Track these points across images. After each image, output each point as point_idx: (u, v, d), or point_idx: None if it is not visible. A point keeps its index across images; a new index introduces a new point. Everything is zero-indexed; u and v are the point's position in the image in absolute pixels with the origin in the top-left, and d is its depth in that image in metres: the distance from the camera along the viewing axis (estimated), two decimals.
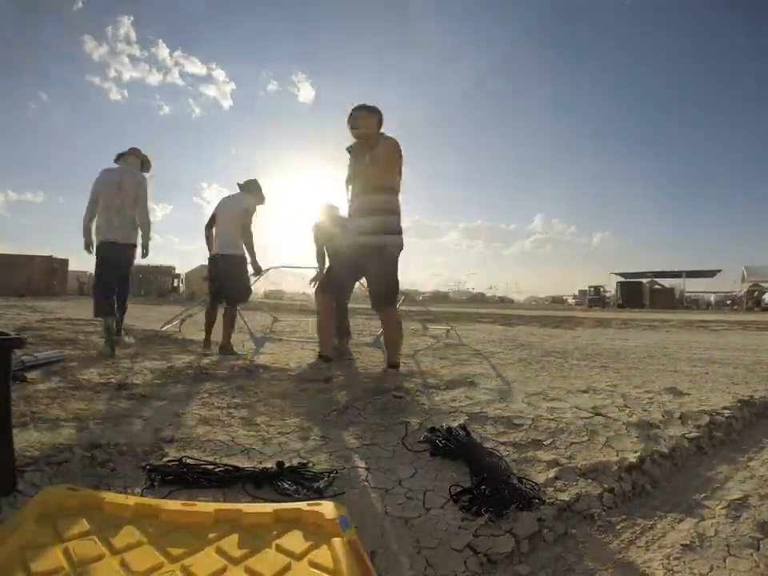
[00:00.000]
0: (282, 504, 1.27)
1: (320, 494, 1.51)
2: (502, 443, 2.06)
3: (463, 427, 2.12)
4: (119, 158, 4.64)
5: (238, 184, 4.81)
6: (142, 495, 1.45)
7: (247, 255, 4.62)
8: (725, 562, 1.26)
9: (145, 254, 4.63)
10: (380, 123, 3.24)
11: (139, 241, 4.60)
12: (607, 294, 31.60)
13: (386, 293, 3.22)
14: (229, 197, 4.75)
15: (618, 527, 1.45)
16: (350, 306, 5.09)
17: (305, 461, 1.80)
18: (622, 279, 31.93)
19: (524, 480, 1.62)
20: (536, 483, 1.61)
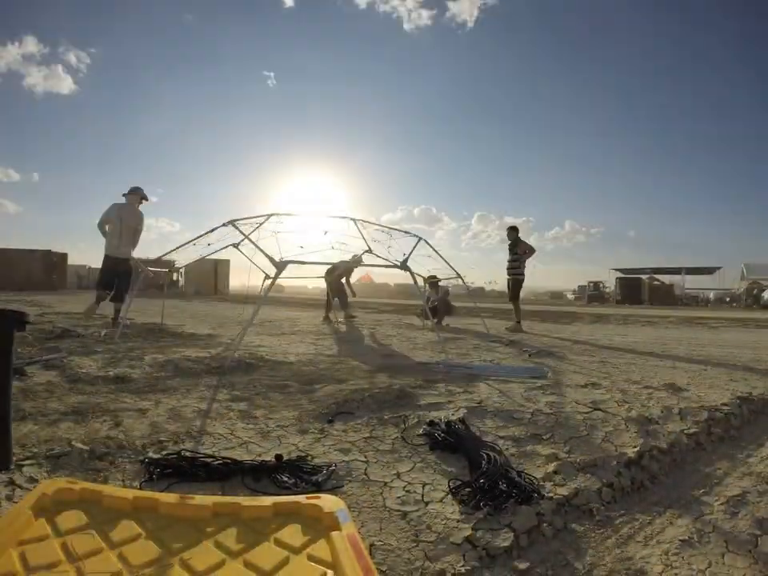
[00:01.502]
0: (281, 497, 1.26)
1: (318, 487, 1.51)
2: (501, 437, 2.06)
3: (462, 421, 2.12)
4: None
5: (124, 195, 6.05)
6: (140, 488, 1.45)
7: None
8: (723, 558, 1.26)
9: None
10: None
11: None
12: (606, 290, 31.58)
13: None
14: (125, 206, 6.06)
15: (617, 522, 1.45)
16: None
17: (303, 454, 1.80)
18: (621, 275, 31.92)
19: (523, 474, 1.62)
20: (535, 477, 1.61)
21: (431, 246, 5.76)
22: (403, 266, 4.81)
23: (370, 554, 1.17)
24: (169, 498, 1.20)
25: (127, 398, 2.50)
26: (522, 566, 1.21)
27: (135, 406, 2.36)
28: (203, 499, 1.20)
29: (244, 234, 4.43)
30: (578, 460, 1.81)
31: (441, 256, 6.00)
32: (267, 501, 1.21)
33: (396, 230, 5.74)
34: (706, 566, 1.22)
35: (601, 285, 32.54)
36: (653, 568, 1.22)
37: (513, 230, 7.60)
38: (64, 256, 22.21)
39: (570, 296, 36.79)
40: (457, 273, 6.35)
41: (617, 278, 31.37)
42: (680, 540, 1.34)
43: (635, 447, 1.91)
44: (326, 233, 5.00)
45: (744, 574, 1.19)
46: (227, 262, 23.62)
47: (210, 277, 23.59)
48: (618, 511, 1.52)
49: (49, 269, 20.64)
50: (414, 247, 5.19)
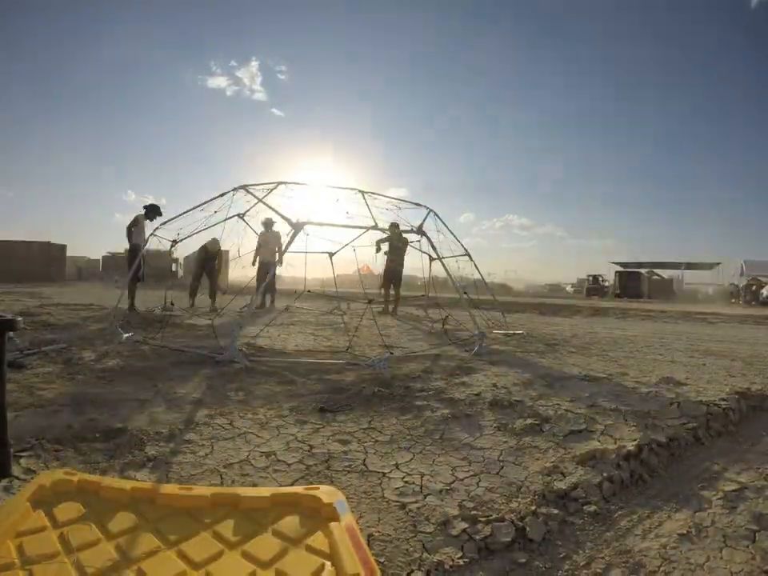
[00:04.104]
0: (280, 489, 1.26)
1: None
2: (500, 430, 2.06)
3: None
4: None
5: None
6: (136, 479, 1.44)
7: None
8: (721, 552, 1.26)
9: None
10: None
11: None
12: (606, 284, 31.59)
13: None
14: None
15: (616, 515, 1.45)
16: None
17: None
18: (621, 269, 31.95)
19: None
20: None
21: (441, 220, 5.44)
22: (419, 230, 4.69)
23: (368, 545, 1.17)
24: (167, 488, 1.20)
25: (125, 388, 2.50)
26: (522, 558, 1.21)
27: (134, 396, 2.35)
28: (201, 489, 1.20)
29: (257, 198, 4.28)
30: (577, 453, 1.81)
31: (450, 231, 5.67)
32: (265, 492, 1.21)
33: (405, 201, 5.37)
34: (704, 560, 1.22)
35: (600, 278, 32.55)
36: (651, 561, 1.22)
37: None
38: (63, 247, 22.14)
39: (570, 289, 36.81)
40: (465, 250, 6.00)
41: (616, 272, 31.39)
42: (678, 534, 1.34)
43: (634, 441, 1.91)
44: (338, 200, 4.70)
45: (742, 569, 1.19)
46: (225, 252, 23.56)
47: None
48: (617, 504, 1.52)
49: (48, 260, 20.58)
50: (426, 218, 5.01)
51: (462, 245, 5.96)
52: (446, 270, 5.25)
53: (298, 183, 4.77)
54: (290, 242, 3.86)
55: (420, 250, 6.32)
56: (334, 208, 4.74)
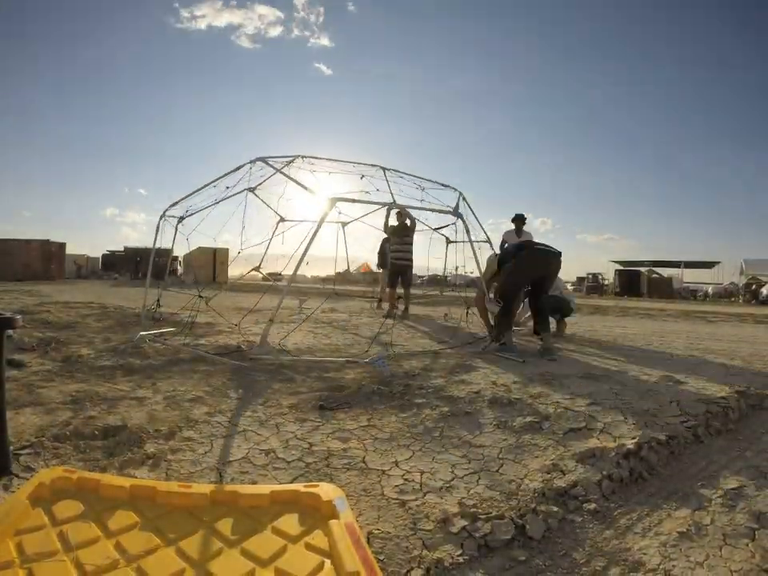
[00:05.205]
0: (279, 486, 1.26)
1: None
2: (500, 427, 2.06)
3: None
4: None
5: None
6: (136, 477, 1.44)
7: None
8: (721, 551, 1.26)
9: None
10: None
11: None
12: (605, 282, 31.63)
13: None
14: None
15: (615, 513, 1.45)
16: None
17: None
18: (621, 267, 31.95)
19: None
20: None
21: (468, 204, 4.99)
22: (455, 212, 4.39)
23: (368, 542, 1.17)
24: (166, 486, 1.20)
25: (125, 386, 2.50)
26: (521, 556, 1.20)
27: (133, 394, 2.35)
28: (201, 487, 1.20)
29: (276, 169, 4.07)
30: (576, 451, 1.81)
31: (476, 217, 5.18)
32: (265, 489, 1.21)
33: (431, 181, 4.90)
34: (704, 558, 1.22)
35: (600, 277, 32.58)
36: (651, 559, 1.22)
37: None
38: (62, 245, 22.12)
39: (569, 287, 36.80)
40: (487, 237, 5.46)
41: (616, 271, 31.41)
42: (678, 532, 1.34)
43: (634, 439, 1.91)
44: (362, 177, 4.31)
45: (741, 567, 1.19)
46: (226, 250, 23.55)
47: (208, 265, 23.52)
48: (616, 502, 1.52)
49: (47, 258, 20.56)
50: (459, 200, 4.68)
51: (484, 230, 5.46)
52: (475, 257, 4.74)
53: (317, 157, 4.42)
54: (321, 222, 3.62)
55: (452, 236, 5.70)
56: (357, 184, 4.33)
